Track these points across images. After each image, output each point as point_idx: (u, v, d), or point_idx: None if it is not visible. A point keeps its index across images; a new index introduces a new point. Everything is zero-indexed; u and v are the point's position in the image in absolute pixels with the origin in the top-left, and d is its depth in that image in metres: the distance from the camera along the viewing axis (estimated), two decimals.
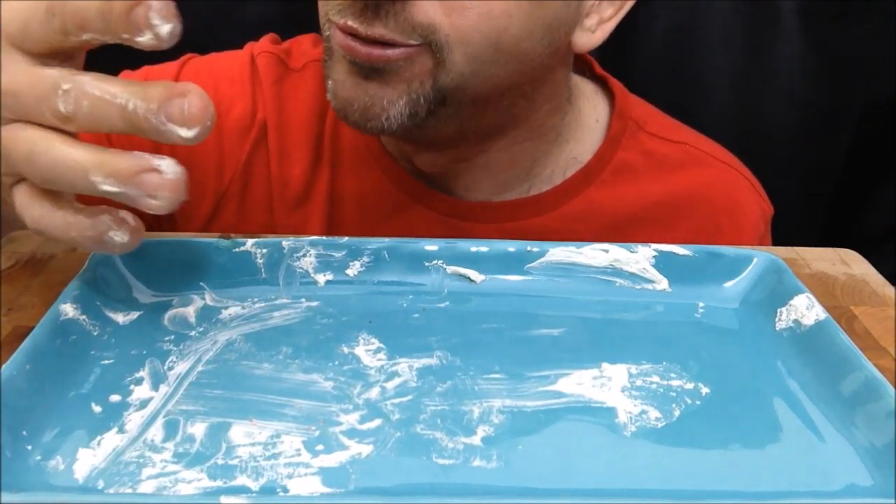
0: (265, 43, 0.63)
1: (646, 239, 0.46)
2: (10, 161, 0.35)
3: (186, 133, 0.32)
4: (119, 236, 0.36)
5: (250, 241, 0.44)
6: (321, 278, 0.44)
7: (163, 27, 0.31)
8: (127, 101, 0.32)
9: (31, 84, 0.34)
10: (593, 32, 0.53)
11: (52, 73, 0.33)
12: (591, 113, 0.61)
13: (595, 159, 0.60)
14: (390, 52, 0.47)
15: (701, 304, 0.44)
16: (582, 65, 0.63)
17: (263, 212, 0.61)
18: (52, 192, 0.36)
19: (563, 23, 0.51)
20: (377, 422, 0.35)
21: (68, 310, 0.38)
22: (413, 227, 0.58)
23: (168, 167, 0.34)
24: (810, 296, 0.41)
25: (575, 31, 0.52)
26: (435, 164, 0.58)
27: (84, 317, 0.38)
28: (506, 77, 0.50)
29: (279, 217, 0.60)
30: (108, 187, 0.33)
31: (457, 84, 0.49)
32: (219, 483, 0.31)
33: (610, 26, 0.53)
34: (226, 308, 0.42)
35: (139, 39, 0.32)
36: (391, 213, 0.59)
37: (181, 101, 0.32)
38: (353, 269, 0.44)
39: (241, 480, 0.31)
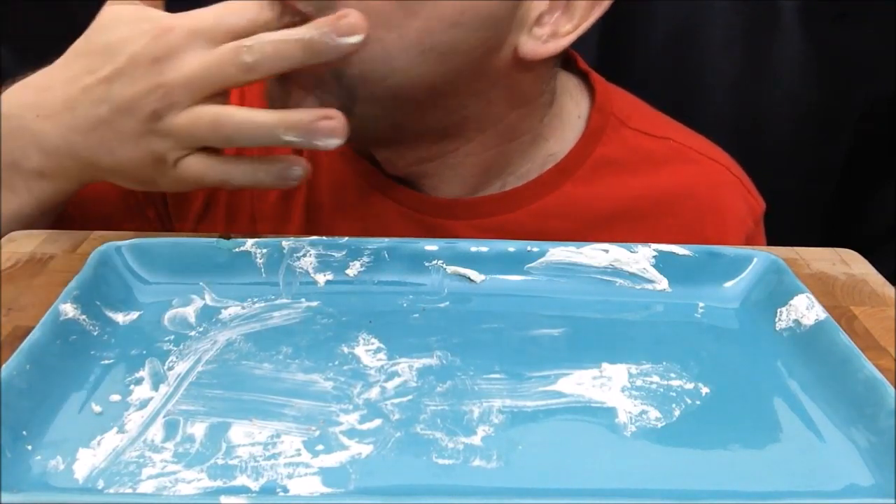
0: None
1: (627, 235, 0.46)
2: (195, 135, 0.44)
3: (356, 39, 0.43)
4: (298, 170, 0.45)
5: (250, 241, 0.44)
6: (321, 278, 0.44)
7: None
8: (302, 35, 0.42)
9: (215, 57, 0.42)
10: (544, 42, 0.50)
11: (230, 44, 0.43)
12: (573, 109, 0.60)
13: (573, 154, 0.58)
14: None
15: (701, 304, 0.44)
16: (566, 59, 0.61)
17: (248, 205, 0.61)
18: (219, 151, 0.45)
19: (498, 21, 0.49)
20: (377, 422, 0.35)
21: (68, 310, 0.38)
22: (385, 223, 0.57)
23: (334, 113, 0.43)
24: (810, 296, 0.41)
25: (520, 36, 0.50)
26: (396, 163, 0.57)
27: (84, 317, 0.38)
28: (430, 72, 0.48)
29: (261, 210, 0.60)
30: (290, 137, 0.43)
31: (360, 74, 0.47)
32: (219, 483, 0.31)
33: (566, 41, 0.51)
34: (226, 308, 0.42)
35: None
36: (364, 210, 0.59)
37: (344, 19, 0.42)
38: (353, 269, 0.44)
39: (241, 480, 0.31)
